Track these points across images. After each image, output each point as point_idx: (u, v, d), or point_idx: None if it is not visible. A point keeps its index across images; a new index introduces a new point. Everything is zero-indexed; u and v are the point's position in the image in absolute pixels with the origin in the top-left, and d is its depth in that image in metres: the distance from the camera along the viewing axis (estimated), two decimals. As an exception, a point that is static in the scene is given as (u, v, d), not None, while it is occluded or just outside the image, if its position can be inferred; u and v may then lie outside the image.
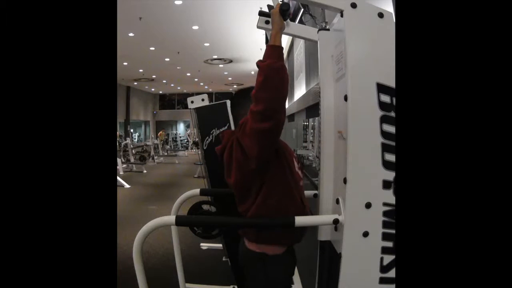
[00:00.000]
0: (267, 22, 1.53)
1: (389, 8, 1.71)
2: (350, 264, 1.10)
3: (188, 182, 7.69)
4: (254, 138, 1.11)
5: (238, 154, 1.18)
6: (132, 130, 19.32)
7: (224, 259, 2.87)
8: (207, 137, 2.28)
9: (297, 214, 1.22)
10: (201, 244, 3.32)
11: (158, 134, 19.30)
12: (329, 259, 1.31)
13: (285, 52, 8.66)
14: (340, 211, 1.12)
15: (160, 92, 22.34)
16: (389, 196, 1.08)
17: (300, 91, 6.99)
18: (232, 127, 2.32)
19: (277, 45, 1.14)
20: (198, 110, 2.31)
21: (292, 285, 2.35)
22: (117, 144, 9.74)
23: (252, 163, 1.15)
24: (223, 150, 1.29)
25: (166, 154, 14.54)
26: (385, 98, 1.08)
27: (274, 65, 1.08)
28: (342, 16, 1.13)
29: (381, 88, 1.08)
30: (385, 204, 1.08)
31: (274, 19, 1.19)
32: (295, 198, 1.25)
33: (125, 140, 11.86)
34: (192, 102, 2.36)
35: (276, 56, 1.11)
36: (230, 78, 16.97)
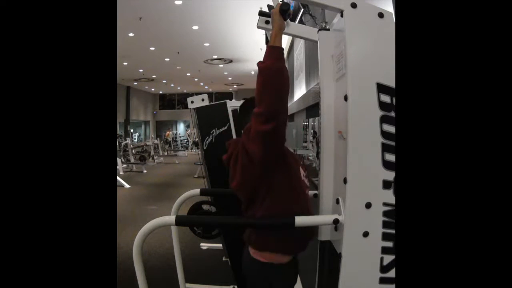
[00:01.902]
0: (267, 22, 1.53)
1: (389, 8, 1.71)
2: (350, 264, 1.10)
3: (188, 182, 7.69)
4: (258, 141, 1.11)
5: (244, 159, 1.17)
6: (132, 130, 19.34)
7: (224, 259, 2.87)
8: (207, 137, 2.28)
9: (303, 231, 1.22)
10: (201, 244, 3.32)
11: (166, 134, 19.45)
12: (329, 259, 1.31)
13: (285, 52, 8.66)
14: (340, 211, 1.12)
15: (160, 92, 22.35)
16: (389, 196, 1.08)
17: (300, 91, 6.99)
18: (232, 127, 2.32)
19: (277, 46, 1.14)
20: (198, 110, 2.32)
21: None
22: (117, 144, 9.74)
23: (257, 168, 1.15)
24: (230, 158, 1.28)
25: (166, 154, 14.54)
26: (385, 98, 1.08)
27: (273, 66, 1.08)
28: (342, 16, 1.13)
29: (381, 88, 1.08)
30: (385, 204, 1.08)
31: (274, 19, 1.19)
32: (301, 206, 1.25)
33: (125, 140, 11.85)
34: (192, 102, 2.36)
35: (276, 56, 1.11)
36: (230, 78, 16.98)
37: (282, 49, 1.15)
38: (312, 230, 1.32)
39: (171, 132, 20.05)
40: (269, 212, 1.20)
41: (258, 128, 1.09)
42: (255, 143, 1.11)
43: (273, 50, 1.12)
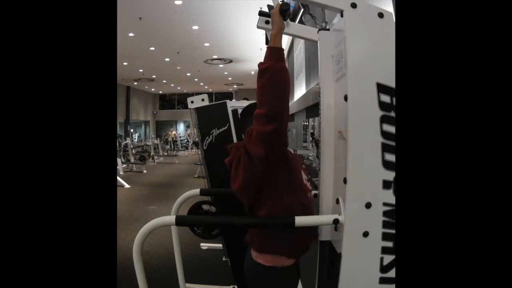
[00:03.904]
0: (267, 22, 1.53)
1: (389, 8, 1.71)
2: (350, 264, 1.10)
3: (188, 182, 7.69)
4: (260, 141, 1.10)
5: (246, 160, 1.17)
6: (132, 130, 19.33)
7: (224, 259, 2.87)
8: (207, 137, 2.28)
9: (307, 232, 1.24)
10: (201, 244, 3.32)
11: (168, 134, 19.46)
12: (329, 259, 1.31)
13: (285, 52, 8.65)
14: (340, 211, 1.12)
15: (160, 92, 22.35)
16: (389, 196, 1.08)
17: (300, 91, 6.99)
18: (232, 127, 2.32)
19: (277, 47, 1.14)
20: (198, 110, 2.32)
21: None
22: (117, 144, 9.74)
23: (259, 168, 1.15)
24: (232, 162, 1.27)
25: (166, 154, 14.54)
26: (385, 98, 1.08)
27: (275, 67, 1.08)
28: (342, 16, 1.13)
29: (381, 88, 1.08)
30: (385, 204, 1.08)
31: (274, 19, 1.19)
32: (304, 207, 1.24)
33: (125, 140, 11.85)
34: (192, 102, 2.37)
35: (277, 57, 1.11)
36: (230, 78, 16.98)
37: (283, 49, 1.15)
38: (314, 232, 1.32)
39: (172, 133, 19.96)
40: (271, 213, 1.20)
41: (260, 129, 1.09)
42: (257, 144, 1.11)
43: (274, 51, 1.12)
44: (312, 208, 1.30)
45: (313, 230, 1.31)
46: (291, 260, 1.28)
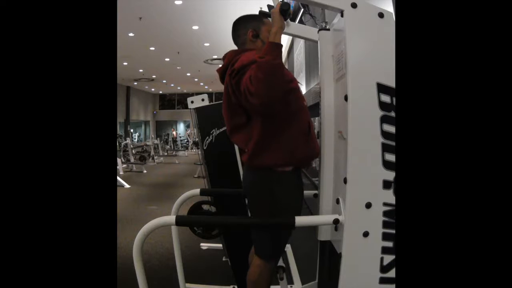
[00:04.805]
0: (267, 22, 1.53)
1: (389, 8, 1.71)
2: (350, 264, 1.10)
3: (188, 182, 7.68)
4: (253, 107, 1.18)
5: (232, 91, 1.25)
6: (132, 130, 19.31)
7: (224, 259, 2.87)
8: (207, 137, 2.28)
9: (303, 140, 1.29)
10: (201, 244, 3.31)
11: (172, 133, 19.47)
12: (329, 259, 1.31)
13: (285, 52, 8.65)
14: (340, 211, 1.12)
15: (160, 92, 22.34)
16: (389, 196, 1.08)
17: (300, 91, 6.96)
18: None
19: (276, 42, 1.15)
20: (198, 110, 2.32)
21: (292, 285, 2.35)
22: (117, 144, 9.73)
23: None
24: (224, 72, 1.34)
25: (166, 154, 14.53)
26: (385, 98, 1.08)
27: (272, 62, 1.10)
28: (342, 16, 1.13)
29: (381, 88, 1.08)
30: (385, 204, 1.08)
31: (274, 19, 1.19)
32: (300, 122, 1.30)
33: (125, 140, 11.84)
34: (192, 102, 2.36)
35: (275, 53, 1.12)
36: (230, 78, 16.94)
37: (281, 46, 1.16)
38: (316, 149, 1.34)
39: (173, 132, 19.89)
40: (267, 131, 1.25)
41: (251, 101, 1.15)
42: (252, 103, 1.16)
43: (273, 46, 1.14)
44: (309, 118, 1.35)
45: (314, 148, 1.34)
46: (290, 167, 1.31)
